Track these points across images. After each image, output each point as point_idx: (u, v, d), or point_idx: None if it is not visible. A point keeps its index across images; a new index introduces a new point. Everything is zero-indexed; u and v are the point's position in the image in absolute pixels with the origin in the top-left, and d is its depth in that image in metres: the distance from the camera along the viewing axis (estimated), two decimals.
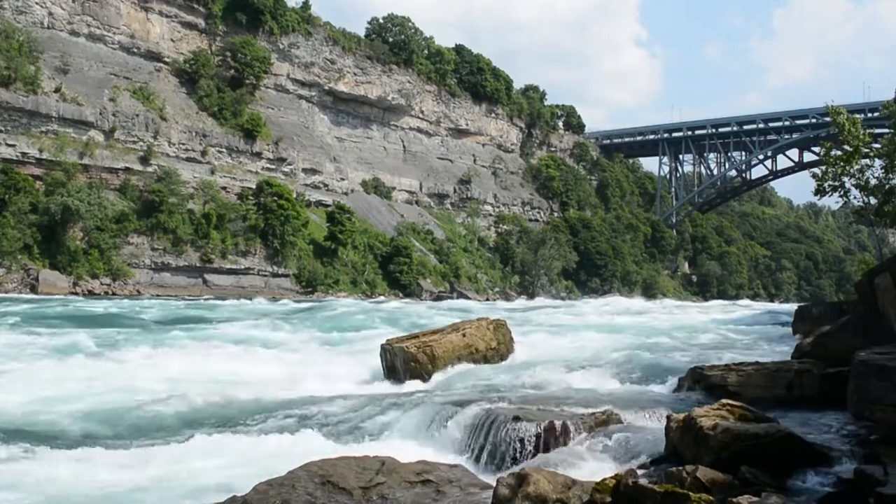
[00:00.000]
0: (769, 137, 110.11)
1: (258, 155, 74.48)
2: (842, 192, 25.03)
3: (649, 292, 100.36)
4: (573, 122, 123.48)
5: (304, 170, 79.95)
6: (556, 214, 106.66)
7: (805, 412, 10.05)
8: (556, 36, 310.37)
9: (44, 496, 8.29)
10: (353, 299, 60.70)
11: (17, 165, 55.00)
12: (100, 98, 62.92)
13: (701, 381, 11.80)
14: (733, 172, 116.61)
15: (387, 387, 15.24)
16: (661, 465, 7.75)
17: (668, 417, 8.49)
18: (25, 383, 14.52)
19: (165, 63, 71.96)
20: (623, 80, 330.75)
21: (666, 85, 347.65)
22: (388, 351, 16.51)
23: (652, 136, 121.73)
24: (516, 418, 9.71)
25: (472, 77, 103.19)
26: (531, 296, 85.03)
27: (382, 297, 69.02)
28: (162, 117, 66.66)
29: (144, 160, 63.76)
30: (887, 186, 24.16)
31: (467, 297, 75.05)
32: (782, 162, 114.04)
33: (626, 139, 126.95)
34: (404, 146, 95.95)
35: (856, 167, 24.26)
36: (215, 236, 64.43)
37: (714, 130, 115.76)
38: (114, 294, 53.65)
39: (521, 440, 9.39)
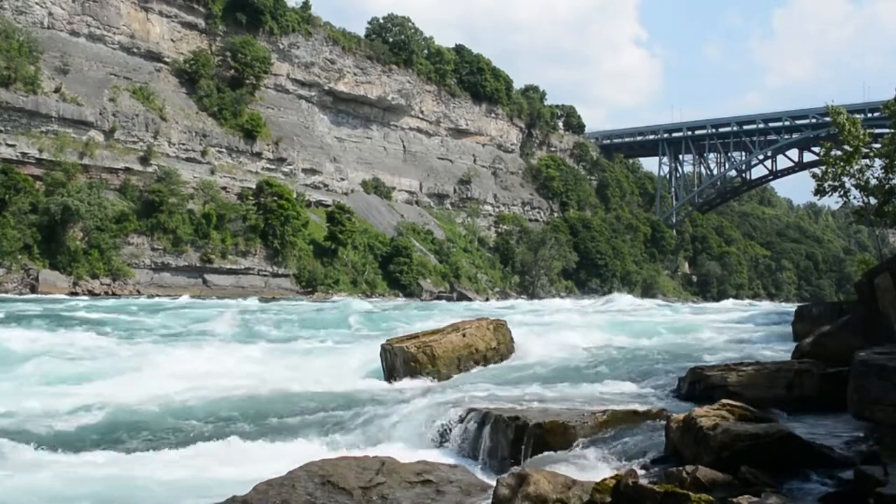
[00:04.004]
0: (769, 137, 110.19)
1: (258, 155, 74.50)
2: (842, 192, 25.08)
3: (649, 292, 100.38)
4: (573, 122, 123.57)
5: (304, 170, 79.97)
6: (556, 214, 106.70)
7: (805, 412, 10.05)
8: (555, 36, 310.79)
9: (34, 496, 8.28)
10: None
11: (17, 165, 55.03)
12: (100, 98, 62.95)
13: (701, 381, 11.79)
14: (733, 172, 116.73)
15: (386, 387, 15.23)
16: (661, 465, 7.74)
17: (668, 417, 8.48)
18: None
19: (165, 63, 71.99)
20: (623, 80, 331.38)
21: (666, 85, 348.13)
22: (387, 351, 16.51)
23: (652, 136, 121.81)
24: (516, 418, 9.71)
25: (472, 77, 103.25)
26: (532, 296, 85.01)
27: (380, 298, 68.88)
28: (162, 117, 66.68)
29: (144, 160, 63.79)
30: (887, 186, 24.17)
31: (468, 298, 75.06)
32: (782, 162, 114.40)
33: (626, 139, 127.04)
34: (404, 146, 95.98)
35: (856, 167, 24.31)
36: (215, 236, 64.45)
37: (714, 130, 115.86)
38: (114, 294, 53.64)
39: (521, 440, 9.39)
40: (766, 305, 69.07)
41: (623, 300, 58.99)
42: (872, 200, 24.87)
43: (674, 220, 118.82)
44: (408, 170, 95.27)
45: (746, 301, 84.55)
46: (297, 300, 57.99)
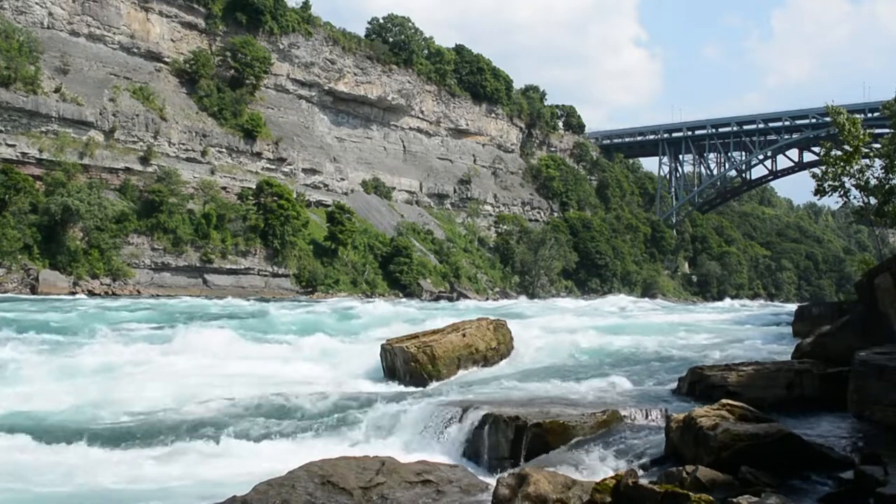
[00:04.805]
0: (769, 137, 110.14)
1: (258, 155, 74.48)
2: (842, 192, 25.10)
3: (649, 292, 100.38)
4: (573, 122, 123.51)
5: (304, 170, 79.95)
6: (556, 214, 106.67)
7: (805, 412, 10.06)
8: (555, 36, 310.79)
9: (33, 494, 8.29)
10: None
11: (17, 165, 54.99)
12: (100, 98, 62.91)
13: (701, 381, 11.80)
14: (733, 172, 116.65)
15: (387, 387, 15.24)
16: (661, 465, 7.75)
17: (668, 417, 8.49)
18: None
19: (165, 63, 71.95)
20: (623, 80, 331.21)
21: (666, 85, 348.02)
22: (388, 351, 16.53)
23: (652, 136, 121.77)
24: (516, 418, 9.71)
25: (472, 77, 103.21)
26: (532, 296, 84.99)
27: (377, 299, 68.46)
28: (162, 117, 66.66)
29: (144, 160, 63.76)
30: (887, 186, 24.21)
31: (468, 297, 75.04)
32: (782, 162, 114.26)
33: (626, 139, 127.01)
34: (404, 146, 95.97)
35: (856, 167, 24.33)
36: (215, 236, 64.43)
37: (714, 130, 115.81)
38: (114, 294, 53.64)
39: (521, 440, 9.39)
40: (755, 305, 68.83)
41: (618, 300, 59.65)
42: (872, 200, 24.90)
43: (674, 220, 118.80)
44: (408, 170, 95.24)
45: (738, 302, 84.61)
46: (296, 300, 57.99)
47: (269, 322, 28.92)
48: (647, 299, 75.47)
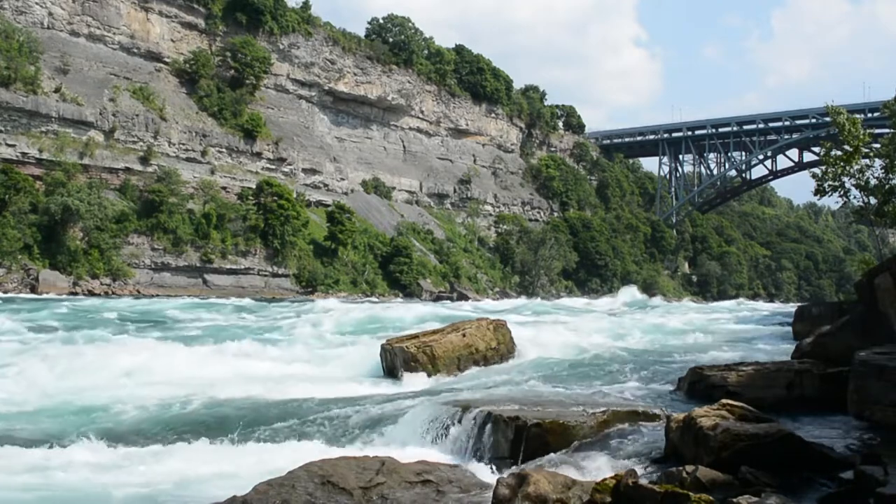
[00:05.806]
0: (769, 137, 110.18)
1: (258, 155, 74.50)
2: (842, 192, 25.13)
3: (649, 292, 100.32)
4: (573, 122, 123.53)
5: (304, 170, 79.96)
6: (556, 214, 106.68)
7: (805, 412, 10.06)
8: (555, 36, 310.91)
9: (30, 496, 8.28)
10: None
11: (17, 165, 55.03)
12: (100, 98, 62.92)
13: (701, 381, 11.80)
14: (733, 172, 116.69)
15: (386, 387, 15.22)
16: (661, 465, 7.75)
17: (668, 417, 8.48)
18: None
19: (165, 63, 71.97)
20: (623, 80, 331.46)
21: (666, 85, 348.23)
22: (387, 351, 16.54)
23: (652, 136, 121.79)
24: (516, 418, 9.70)
25: (472, 77, 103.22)
26: (532, 296, 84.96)
27: (374, 299, 68.55)
28: (162, 117, 66.67)
29: (144, 160, 63.79)
30: (887, 186, 24.24)
31: (467, 298, 75.01)
32: (782, 162, 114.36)
33: (626, 139, 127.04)
34: (404, 146, 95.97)
35: (856, 167, 24.36)
36: (215, 236, 64.44)
37: (714, 130, 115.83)
38: (114, 294, 53.66)
39: (521, 440, 9.38)
40: (747, 307, 68.44)
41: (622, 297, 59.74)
42: (872, 200, 24.93)
43: (674, 220, 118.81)
44: (408, 170, 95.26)
45: (734, 301, 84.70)
46: (296, 300, 58.00)
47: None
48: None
